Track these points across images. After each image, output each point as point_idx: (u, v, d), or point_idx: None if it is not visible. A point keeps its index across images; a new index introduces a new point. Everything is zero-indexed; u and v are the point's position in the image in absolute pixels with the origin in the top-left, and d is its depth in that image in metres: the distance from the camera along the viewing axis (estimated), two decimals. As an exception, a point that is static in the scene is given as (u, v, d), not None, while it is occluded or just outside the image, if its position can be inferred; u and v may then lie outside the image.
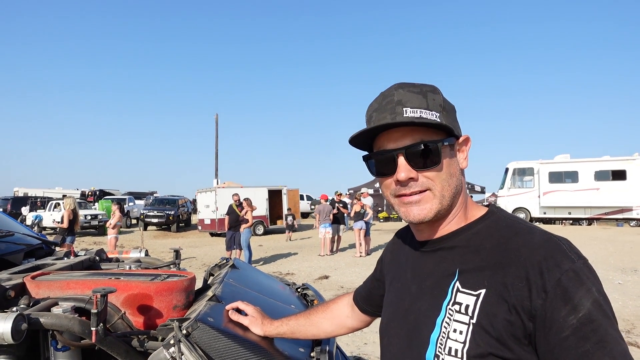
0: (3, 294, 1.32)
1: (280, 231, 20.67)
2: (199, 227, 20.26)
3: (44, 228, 20.25)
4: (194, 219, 23.98)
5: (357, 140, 0.93)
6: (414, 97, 0.87)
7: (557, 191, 20.05)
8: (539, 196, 20.46)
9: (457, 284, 0.83)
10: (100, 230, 20.16)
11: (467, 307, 0.79)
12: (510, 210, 21.01)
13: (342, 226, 13.10)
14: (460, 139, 0.93)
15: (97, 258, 1.96)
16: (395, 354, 0.92)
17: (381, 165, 0.90)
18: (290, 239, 17.42)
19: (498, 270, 0.79)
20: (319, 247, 12.48)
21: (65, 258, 1.92)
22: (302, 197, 24.75)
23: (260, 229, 19.56)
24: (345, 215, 13.53)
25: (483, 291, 0.79)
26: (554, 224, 20.56)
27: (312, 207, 28.66)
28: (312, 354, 1.31)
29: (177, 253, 2.09)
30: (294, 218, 18.54)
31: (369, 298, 1.21)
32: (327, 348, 1.31)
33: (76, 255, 1.99)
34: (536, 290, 0.73)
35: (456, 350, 0.78)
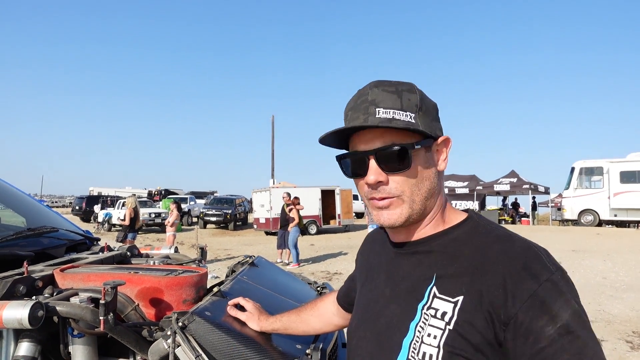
0: (32, 284, 1.46)
1: (333, 231, 20.78)
2: (255, 226, 20.80)
3: (114, 225, 21.67)
4: (250, 218, 24.67)
5: (331, 139, 0.92)
6: (388, 96, 0.85)
7: (630, 192, 18.53)
8: (609, 197, 19.05)
9: (434, 289, 0.82)
10: (163, 228, 21.28)
11: (444, 313, 0.78)
12: (576, 213, 19.82)
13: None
14: (439, 140, 0.90)
15: (128, 253, 2.10)
16: (364, 357, 0.91)
17: (353, 166, 0.90)
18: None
19: (476, 278, 0.78)
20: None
21: (100, 253, 2.09)
22: (355, 197, 24.71)
23: (313, 229, 19.76)
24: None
25: (461, 298, 0.78)
26: (627, 227, 19.08)
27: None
28: (307, 351, 1.34)
29: (202, 251, 2.20)
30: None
31: (348, 297, 1.21)
32: (321, 346, 1.34)
33: (110, 251, 2.15)
34: (512, 299, 0.72)
35: (430, 355, 0.76)
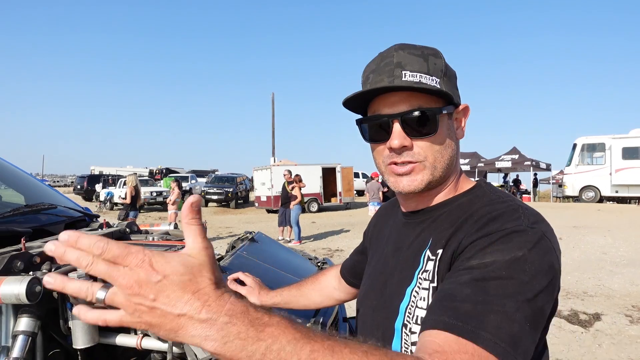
0: (30, 259, 1.45)
1: (335, 208, 20.84)
2: (256, 204, 20.88)
3: (115, 204, 21.76)
4: (252, 196, 24.74)
5: (352, 103, 0.89)
6: (415, 60, 0.83)
7: (632, 168, 18.47)
8: (610, 174, 19.01)
9: (428, 251, 0.82)
10: (165, 206, 21.38)
11: (429, 272, 0.79)
12: (577, 189, 19.81)
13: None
14: (460, 108, 0.89)
15: (127, 230, 2.09)
16: (370, 324, 0.93)
17: (375, 130, 0.87)
18: None
19: (457, 232, 0.78)
20: (371, 224, 12.45)
21: (100, 230, 2.07)
22: (357, 175, 24.70)
23: (314, 206, 19.82)
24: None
25: (440, 251, 0.78)
26: (629, 204, 19.10)
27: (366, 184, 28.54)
28: (307, 325, 1.34)
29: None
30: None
31: (353, 271, 1.21)
32: (322, 319, 1.33)
33: (109, 227, 2.14)
34: (468, 236, 0.73)
35: (422, 318, 0.76)
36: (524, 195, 25.19)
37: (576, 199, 20.33)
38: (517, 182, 26.66)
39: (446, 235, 0.79)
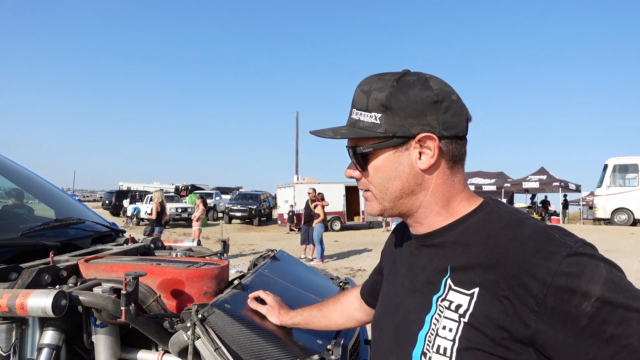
0: (57, 273, 1.48)
1: (358, 227, 20.70)
2: (279, 222, 20.97)
3: (142, 219, 22.17)
4: (275, 213, 24.83)
5: None
6: (360, 96, 0.86)
7: (667, 190, 17.83)
8: (644, 196, 18.35)
9: (450, 281, 0.79)
10: (190, 222, 21.65)
11: (458, 306, 0.75)
12: (609, 212, 19.15)
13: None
14: (418, 137, 0.82)
15: (152, 245, 2.12)
16: (384, 350, 0.90)
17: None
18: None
19: (490, 268, 0.74)
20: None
21: (125, 245, 2.11)
22: (380, 194, 24.52)
23: (337, 225, 19.75)
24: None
25: (476, 290, 0.74)
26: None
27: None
28: (328, 347, 1.31)
29: (224, 244, 2.19)
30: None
31: (373, 292, 1.19)
32: (342, 341, 1.31)
33: (134, 243, 2.17)
34: (536, 286, 0.67)
35: (445, 349, 0.74)
36: (552, 217, 24.51)
37: (608, 221, 19.65)
38: (545, 203, 25.99)
39: (473, 269, 0.76)
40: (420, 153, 0.84)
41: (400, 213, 0.89)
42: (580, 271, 0.66)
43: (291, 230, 19.07)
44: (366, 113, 0.85)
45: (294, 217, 18.97)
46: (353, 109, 0.88)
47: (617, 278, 0.67)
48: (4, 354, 1.32)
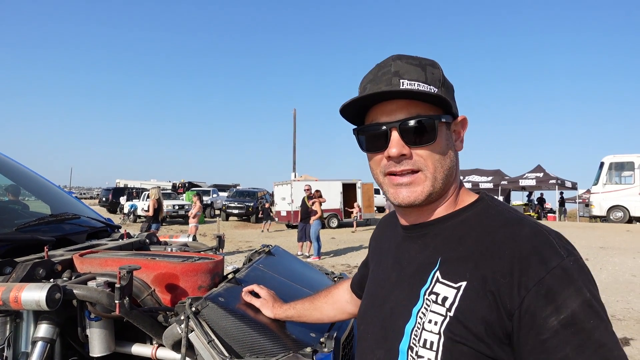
0: (51, 267, 1.48)
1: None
2: (276, 219, 20.93)
3: (139, 216, 22.12)
4: (272, 210, 24.82)
5: (349, 111, 0.88)
6: (413, 69, 0.82)
7: (663, 188, 17.90)
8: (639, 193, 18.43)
9: (438, 273, 0.79)
10: (187, 220, 21.62)
11: (444, 298, 0.75)
12: (605, 209, 19.22)
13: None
14: (458, 119, 0.88)
15: (147, 241, 2.12)
16: (370, 344, 0.89)
17: (372, 139, 0.85)
18: (267, 230, 18.72)
19: (481, 263, 0.74)
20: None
21: (120, 240, 2.11)
22: (377, 191, 24.59)
23: (334, 222, 19.76)
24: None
25: (463, 284, 0.74)
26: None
27: (388, 201, 28.22)
28: (321, 340, 1.32)
29: (219, 239, 2.20)
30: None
31: (362, 284, 1.18)
32: (335, 334, 1.32)
33: (130, 238, 2.17)
34: (518, 287, 0.68)
35: (431, 343, 0.74)
36: (548, 215, 24.60)
37: (604, 219, 19.73)
38: (541, 200, 26.07)
39: (464, 263, 0.76)
40: (454, 134, 0.88)
41: (441, 195, 0.85)
42: (562, 286, 0.67)
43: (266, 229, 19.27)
44: (426, 85, 0.81)
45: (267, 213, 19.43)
46: (403, 80, 0.81)
47: (597, 305, 0.67)
48: None
